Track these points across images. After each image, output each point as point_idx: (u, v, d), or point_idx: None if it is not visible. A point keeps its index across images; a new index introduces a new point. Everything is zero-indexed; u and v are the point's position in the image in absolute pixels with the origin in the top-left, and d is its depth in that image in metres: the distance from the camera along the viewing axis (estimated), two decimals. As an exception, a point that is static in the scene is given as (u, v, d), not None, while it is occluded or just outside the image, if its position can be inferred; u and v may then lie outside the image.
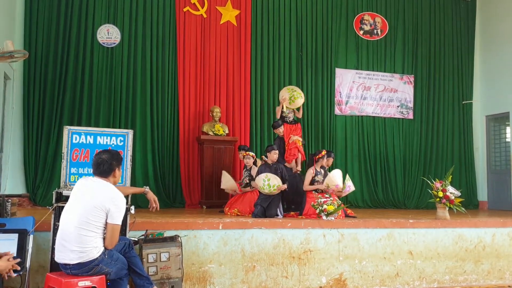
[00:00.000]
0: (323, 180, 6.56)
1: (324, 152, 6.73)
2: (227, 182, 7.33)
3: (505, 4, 10.13)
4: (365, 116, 9.94)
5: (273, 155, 6.54)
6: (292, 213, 6.69)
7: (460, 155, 10.31)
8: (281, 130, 7.43)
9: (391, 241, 5.85)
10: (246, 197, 6.75)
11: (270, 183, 6.13)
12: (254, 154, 7.27)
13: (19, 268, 3.42)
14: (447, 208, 6.39)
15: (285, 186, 6.28)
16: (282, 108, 7.56)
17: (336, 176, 6.52)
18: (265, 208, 6.14)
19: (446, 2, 10.66)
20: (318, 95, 9.62)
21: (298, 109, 7.80)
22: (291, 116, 7.62)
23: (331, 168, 7.56)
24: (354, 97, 9.89)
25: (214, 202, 8.03)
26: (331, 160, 7.52)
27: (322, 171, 6.72)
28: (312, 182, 6.55)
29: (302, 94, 7.84)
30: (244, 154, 7.24)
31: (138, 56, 8.54)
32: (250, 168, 7.13)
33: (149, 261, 4.43)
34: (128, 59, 8.48)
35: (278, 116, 7.64)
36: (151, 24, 8.66)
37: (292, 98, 7.65)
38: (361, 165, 9.73)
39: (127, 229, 4.39)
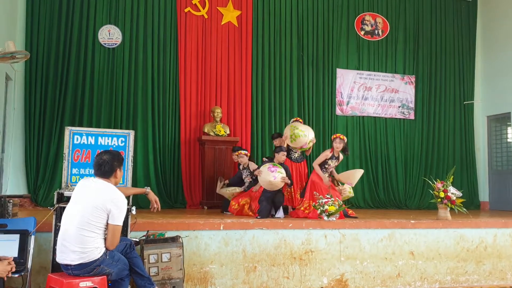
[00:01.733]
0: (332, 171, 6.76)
1: (337, 135, 6.76)
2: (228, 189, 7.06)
3: (506, 4, 10.12)
4: (366, 116, 9.93)
5: (282, 157, 6.56)
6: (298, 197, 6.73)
7: (462, 155, 10.30)
8: (277, 141, 7.34)
9: (393, 241, 5.85)
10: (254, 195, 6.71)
11: (280, 171, 6.18)
12: (246, 152, 7.28)
13: (14, 270, 3.38)
14: (448, 209, 6.39)
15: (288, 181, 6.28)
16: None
17: (357, 175, 6.69)
18: (273, 198, 6.19)
19: (447, 2, 10.65)
20: (319, 96, 9.62)
21: (303, 150, 7.23)
22: (297, 151, 7.23)
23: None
24: (355, 98, 9.88)
25: (215, 203, 8.02)
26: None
27: (339, 157, 6.81)
28: (323, 164, 6.61)
29: (307, 132, 7.01)
30: (237, 153, 7.23)
31: (139, 57, 8.54)
32: (247, 165, 7.12)
33: (150, 261, 4.43)
34: (129, 60, 8.49)
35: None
36: (152, 25, 8.67)
37: (293, 137, 6.96)
38: (362, 166, 9.69)
39: (128, 229, 4.39)
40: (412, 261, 5.88)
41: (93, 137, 4.65)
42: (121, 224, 3.65)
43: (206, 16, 9.02)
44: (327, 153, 6.67)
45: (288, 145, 7.17)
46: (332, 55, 9.77)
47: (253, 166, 7.04)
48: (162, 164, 8.45)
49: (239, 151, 7.23)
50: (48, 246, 4.45)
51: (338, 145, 6.68)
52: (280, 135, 7.45)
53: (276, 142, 7.40)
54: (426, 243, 5.97)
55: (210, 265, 5.15)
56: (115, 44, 8.43)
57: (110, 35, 8.41)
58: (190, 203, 8.37)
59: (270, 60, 9.34)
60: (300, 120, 7.53)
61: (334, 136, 6.77)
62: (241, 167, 7.25)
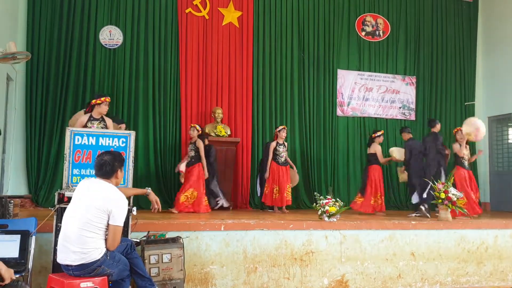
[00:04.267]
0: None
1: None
2: None
3: (507, 4, 10.12)
4: (367, 117, 9.93)
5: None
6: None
7: (463, 156, 10.28)
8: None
9: (393, 242, 5.85)
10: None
11: None
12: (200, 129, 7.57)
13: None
14: (449, 210, 6.39)
15: None
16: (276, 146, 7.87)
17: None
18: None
19: (448, 3, 10.65)
20: (320, 96, 9.62)
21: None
22: (283, 156, 7.87)
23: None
24: (356, 98, 9.88)
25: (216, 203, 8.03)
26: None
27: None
28: None
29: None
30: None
31: (140, 57, 8.55)
32: (195, 141, 7.44)
33: (151, 262, 4.43)
34: (130, 61, 8.50)
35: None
36: (153, 25, 8.67)
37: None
38: (363, 166, 9.69)
39: (129, 230, 4.39)
40: (413, 262, 5.88)
41: (94, 138, 4.65)
42: (122, 224, 3.65)
43: (207, 17, 9.02)
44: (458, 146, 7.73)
45: (275, 150, 7.76)
46: (333, 56, 9.77)
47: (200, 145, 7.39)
48: (163, 165, 8.44)
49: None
50: (49, 247, 4.45)
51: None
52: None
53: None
54: (426, 244, 5.97)
55: (210, 265, 5.15)
56: (116, 44, 8.44)
57: (111, 35, 8.41)
58: (191, 204, 8.36)
59: (271, 61, 9.35)
60: (286, 128, 8.03)
61: (458, 129, 7.79)
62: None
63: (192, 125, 7.57)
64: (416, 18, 10.40)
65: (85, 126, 5.61)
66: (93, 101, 5.83)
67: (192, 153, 7.43)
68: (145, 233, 4.74)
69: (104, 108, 5.83)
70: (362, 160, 9.70)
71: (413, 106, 10.24)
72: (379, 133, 8.33)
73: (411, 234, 5.94)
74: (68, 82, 8.09)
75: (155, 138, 8.47)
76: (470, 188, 7.64)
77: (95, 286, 3.56)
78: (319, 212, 5.91)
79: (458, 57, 10.57)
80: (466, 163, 7.76)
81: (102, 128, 5.72)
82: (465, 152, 7.75)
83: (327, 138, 9.56)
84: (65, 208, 3.82)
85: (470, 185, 7.68)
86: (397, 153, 8.29)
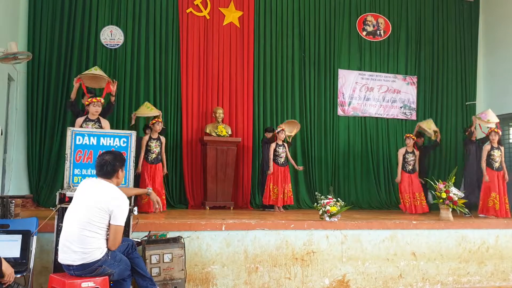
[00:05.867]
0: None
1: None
2: None
3: (508, 4, 10.10)
4: (368, 117, 9.93)
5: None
6: None
7: (464, 156, 10.27)
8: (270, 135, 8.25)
9: (394, 242, 5.84)
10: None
11: None
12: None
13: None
14: (450, 209, 6.39)
15: None
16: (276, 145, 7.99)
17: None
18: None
19: (449, 2, 10.64)
20: (321, 96, 9.62)
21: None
22: (283, 157, 7.94)
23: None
24: (357, 98, 9.88)
25: (217, 203, 8.05)
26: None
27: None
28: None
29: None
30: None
31: (141, 57, 8.56)
32: (159, 136, 7.43)
33: (152, 262, 4.44)
34: (131, 60, 8.51)
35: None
36: (154, 25, 8.68)
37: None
38: (363, 166, 9.71)
39: (130, 230, 4.40)
40: (414, 262, 5.88)
41: (95, 138, 4.65)
42: (123, 224, 3.65)
43: (208, 17, 9.03)
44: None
45: (275, 152, 7.83)
46: (334, 55, 9.77)
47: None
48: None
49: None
50: (50, 247, 4.46)
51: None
52: (272, 129, 8.37)
53: (269, 135, 8.28)
54: (428, 243, 5.96)
55: (211, 265, 5.15)
56: (117, 44, 8.44)
57: (112, 35, 8.42)
58: (192, 204, 8.37)
59: (272, 61, 9.35)
60: (284, 129, 8.03)
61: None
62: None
63: (159, 120, 7.44)
64: (417, 18, 10.40)
65: (81, 127, 5.65)
66: (83, 101, 5.88)
67: (159, 149, 7.38)
68: (146, 233, 4.74)
69: (93, 109, 5.93)
70: (362, 160, 9.70)
71: (414, 105, 10.24)
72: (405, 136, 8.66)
73: (412, 234, 5.93)
74: (69, 82, 8.07)
75: (156, 138, 8.47)
76: (499, 189, 7.58)
77: (96, 286, 3.57)
78: (320, 212, 5.90)
79: (459, 57, 10.57)
80: (496, 164, 7.67)
81: (97, 129, 5.75)
82: (494, 154, 7.73)
83: (328, 137, 9.56)
84: (66, 208, 3.83)
85: (499, 186, 7.60)
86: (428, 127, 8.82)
